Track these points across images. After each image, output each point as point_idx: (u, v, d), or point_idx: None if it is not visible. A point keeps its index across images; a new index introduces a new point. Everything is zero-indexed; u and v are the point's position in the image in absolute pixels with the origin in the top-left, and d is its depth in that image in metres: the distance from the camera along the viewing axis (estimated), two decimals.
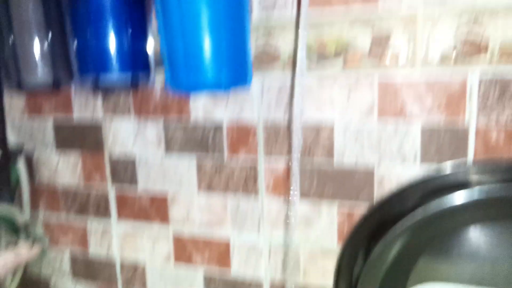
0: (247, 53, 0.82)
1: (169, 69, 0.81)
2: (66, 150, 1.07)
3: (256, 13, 0.83)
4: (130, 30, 0.80)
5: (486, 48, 0.72)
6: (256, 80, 0.86)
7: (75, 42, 0.78)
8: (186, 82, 0.77)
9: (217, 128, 0.92)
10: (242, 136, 0.90)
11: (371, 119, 0.81)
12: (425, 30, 0.75)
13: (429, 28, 0.74)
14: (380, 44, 0.77)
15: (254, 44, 0.84)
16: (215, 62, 0.76)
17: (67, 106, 1.04)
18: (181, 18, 0.75)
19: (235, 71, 0.79)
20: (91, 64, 0.79)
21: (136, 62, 0.83)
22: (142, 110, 0.96)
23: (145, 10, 0.86)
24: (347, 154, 0.84)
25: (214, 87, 0.78)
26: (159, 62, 0.91)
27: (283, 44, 0.83)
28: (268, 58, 0.84)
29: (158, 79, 0.93)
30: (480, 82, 0.74)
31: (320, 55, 0.81)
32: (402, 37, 0.76)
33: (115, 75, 0.80)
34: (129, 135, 0.99)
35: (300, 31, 0.52)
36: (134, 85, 0.84)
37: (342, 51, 0.80)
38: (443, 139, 0.78)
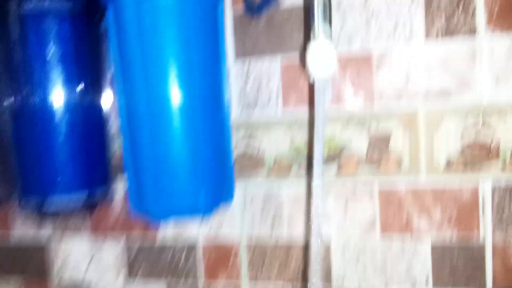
0: (228, 164, 0.71)
1: (134, 189, 0.68)
2: (4, 276, 0.88)
3: (235, 112, 0.73)
4: (84, 143, 0.67)
5: (497, 153, 0.64)
6: (237, 190, 0.74)
7: (17, 156, 0.64)
8: (155, 207, 0.63)
9: (191, 248, 0.77)
10: (221, 257, 0.75)
11: (374, 235, 0.69)
12: (428, 132, 0.66)
13: (432, 129, 0.66)
14: (378, 147, 0.68)
15: (234, 146, 0.73)
16: (193, 181, 0.63)
17: (5, 222, 0.86)
18: (152, 128, 0.63)
19: (215, 190, 0.66)
20: (36, 184, 0.64)
21: (93, 178, 0.70)
22: (99, 227, 0.81)
23: (102, 120, 0.74)
24: (347, 277, 0.70)
25: (191, 213, 0.64)
26: (120, 168, 0.78)
27: (268, 146, 0.72)
28: (251, 164, 0.73)
29: (119, 188, 0.79)
30: (493, 191, 0.65)
31: (311, 160, 0.71)
32: (402, 139, 0.67)
33: (65, 197, 0.65)
34: (83, 257, 0.82)
35: (316, 131, 0.41)
36: (89, 205, 0.70)
37: (335, 155, 0.70)
38: (457, 259, 0.67)
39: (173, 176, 0.63)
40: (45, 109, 0.65)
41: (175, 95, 0.62)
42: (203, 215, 0.66)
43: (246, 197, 0.74)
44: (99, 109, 0.74)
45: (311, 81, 0.40)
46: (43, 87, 0.66)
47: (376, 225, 0.69)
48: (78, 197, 0.67)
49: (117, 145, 0.77)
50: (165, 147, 0.63)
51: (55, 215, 0.70)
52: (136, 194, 0.68)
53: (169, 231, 0.78)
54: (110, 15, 0.66)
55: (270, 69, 0.71)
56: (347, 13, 0.67)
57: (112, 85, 0.76)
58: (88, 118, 0.71)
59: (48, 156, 0.64)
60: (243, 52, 0.72)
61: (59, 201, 0.65)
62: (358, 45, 0.67)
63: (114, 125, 0.77)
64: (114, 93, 0.76)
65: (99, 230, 0.81)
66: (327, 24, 0.39)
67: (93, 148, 0.72)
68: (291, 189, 0.72)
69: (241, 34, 0.72)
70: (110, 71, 0.76)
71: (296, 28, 0.69)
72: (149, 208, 0.65)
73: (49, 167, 0.64)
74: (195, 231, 0.76)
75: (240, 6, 0.71)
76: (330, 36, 0.39)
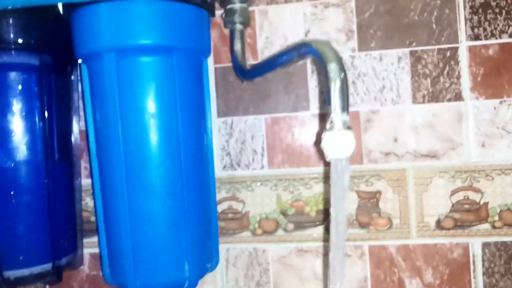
0: (214, 229, 0.65)
1: (107, 259, 0.61)
2: None
3: (218, 171, 0.69)
4: (49, 211, 0.60)
5: (486, 214, 0.64)
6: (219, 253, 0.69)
7: None
8: (132, 281, 0.56)
9: None
10: None
11: None
12: (418, 192, 0.66)
13: (421, 189, 0.66)
14: (367, 207, 0.66)
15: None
16: (176, 253, 0.57)
17: None
18: (130, 194, 0.56)
19: (201, 260, 0.60)
20: None
21: (59, 248, 0.62)
22: None
23: (70, 182, 0.68)
24: None
25: (174, 287, 0.58)
26: (91, 231, 0.71)
27: (252, 206, 0.68)
28: (234, 224, 0.69)
29: (87, 253, 0.71)
30: (484, 251, 0.65)
31: (297, 222, 0.68)
32: (391, 200, 0.66)
33: (27, 271, 0.57)
34: None
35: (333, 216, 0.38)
36: (54, 276, 0.62)
37: (324, 216, 0.67)
38: None
39: (154, 248, 0.57)
40: (6, 172, 0.58)
41: (156, 159, 0.56)
42: None
43: (229, 261, 0.69)
44: (67, 170, 0.68)
45: (326, 159, 0.37)
46: (4, 146, 0.59)
47: (367, 286, 0.67)
48: (41, 270, 0.59)
49: (88, 205, 0.71)
50: (145, 215, 0.57)
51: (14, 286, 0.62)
52: (110, 266, 0.61)
53: None
54: (84, 70, 0.59)
55: (254, 128, 0.68)
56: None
57: (84, 144, 0.71)
58: (54, 182, 0.63)
59: (6, 229, 0.56)
60: (225, 111, 0.69)
61: (19, 275, 0.57)
62: None
63: (83, 184, 0.70)
64: (87, 152, 0.70)
65: None
66: (346, 113, 0.37)
67: (59, 215, 0.65)
68: (277, 251, 0.68)
69: (223, 92, 0.69)
70: (82, 126, 0.71)
71: (281, 88, 0.68)
72: (125, 282, 0.58)
73: (8, 241, 0.56)
74: None
75: (222, 65, 0.69)
76: (348, 126, 0.37)
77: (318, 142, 0.67)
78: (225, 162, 0.69)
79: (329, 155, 0.37)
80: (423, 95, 0.65)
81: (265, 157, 0.68)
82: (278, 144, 0.68)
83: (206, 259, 0.63)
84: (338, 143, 0.36)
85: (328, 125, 0.37)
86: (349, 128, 0.37)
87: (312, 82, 0.67)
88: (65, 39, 0.60)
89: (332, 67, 0.37)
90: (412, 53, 0.65)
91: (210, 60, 0.69)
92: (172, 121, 0.57)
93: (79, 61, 0.59)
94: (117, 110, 0.55)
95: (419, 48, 0.65)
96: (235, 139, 0.69)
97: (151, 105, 0.56)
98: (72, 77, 0.70)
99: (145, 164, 0.56)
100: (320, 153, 0.67)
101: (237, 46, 0.66)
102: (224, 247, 0.69)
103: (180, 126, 0.57)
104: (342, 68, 0.37)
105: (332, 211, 0.39)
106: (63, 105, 0.68)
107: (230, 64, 0.68)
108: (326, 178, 0.67)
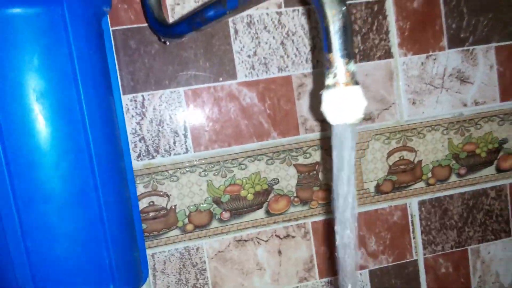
0: (139, 237, 0.52)
1: None
2: None
3: (132, 162, 0.55)
4: None
5: (421, 173, 0.64)
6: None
7: None
8: None
9: None
10: None
11: (313, 274, 0.61)
12: (356, 158, 0.61)
13: (359, 155, 0.62)
14: (307, 181, 0.60)
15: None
16: (97, 277, 0.43)
17: None
18: (18, 203, 0.40)
19: (128, 279, 0.47)
20: None
21: None
22: None
23: None
24: None
25: None
26: None
27: (178, 199, 0.56)
28: (158, 224, 0.56)
29: None
30: (420, 209, 0.64)
31: (234, 210, 0.58)
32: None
33: None
34: None
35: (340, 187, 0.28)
36: None
37: (264, 195, 0.59)
38: (394, 279, 0.64)
39: (64, 276, 0.42)
40: None
41: (52, 155, 0.41)
42: None
43: (155, 268, 0.57)
44: None
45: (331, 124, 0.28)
46: None
47: (314, 266, 0.61)
48: None
49: None
50: (47, 235, 0.41)
51: None
52: None
53: None
54: None
55: (172, 104, 0.56)
56: (261, 34, 0.57)
57: None
58: None
59: None
60: (133, 86, 0.55)
61: None
62: (276, 70, 0.58)
63: None
64: None
65: None
66: (352, 61, 0.28)
67: None
68: (213, 246, 0.58)
69: (127, 62, 0.54)
70: None
71: (200, 54, 0.56)
72: None
73: None
74: None
75: (123, 27, 0.54)
76: (356, 79, 0.28)
77: (262, 96, 0.58)
78: (139, 149, 0.55)
79: (333, 120, 0.28)
80: (358, 51, 0.60)
81: (189, 138, 0.56)
82: (203, 121, 0.57)
83: (135, 275, 0.50)
84: (347, 103, 0.27)
85: (329, 80, 0.28)
86: (357, 82, 0.28)
87: (237, 44, 0.57)
88: None
89: (329, 0, 0.27)
90: None
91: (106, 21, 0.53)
92: (70, 99, 0.41)
93: None
94: None
95: (347, 2, 0.59)
96: (149, 120, 0.55)
97: (36, 79, 0.40)
98: None
99: (36, 163, 0.41)
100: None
101: None
102: (149, 252, 0.56)
103: (83, 105, 0.42)
104: (343, 2, 0.27)
105: (335, 194, 0.31)
106: None
107: (132, 26, 0.54)
108: (262, 155, 0.58)
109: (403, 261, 0.64)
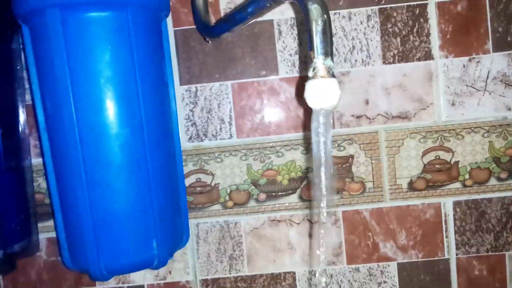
0: (182, 204, 0.61)
1: (65, 245, 0.56)
2: None
3: (184, 143, 0.64)
4: None
5: (457, 174, 0.64)
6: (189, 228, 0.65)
7: None
8: (97, 267, 0.51)
9: None
10: None
11: (341, 261, 0.66)
12: (390, 155, 0.64)
13: (393, 152, 0.64)
14: (340, 172, 0.65)
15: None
16: (142, 233, 0.53)
17: None
18: (86, 170, 0.51)
19: (169, 238, 0.56)
20: None
21: (10, 235, 0.56)
22: (19, 286, 0.66)
23: (19, 161, 0.61)
24: None
25: (141, 268, 0.54)
26: (45, 215, 0.65)
27: (221, 178, 0.65)
28: (203, 198, 0.65)
29: (43, 238, 0.66)
30: (455, 209, 0.65)
31: (269, 192, 0.65)
32: (364, 164, 0.65)
33: None
34: None
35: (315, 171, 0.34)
36: (7, 265, 0.56)
37: (297, 183, 0.65)
38: (423, 277, 0.66)
39: (117, 226, 0.52)
40: None
41: (114, 129, 0.51)
42: (155, 267, 0.56)
43: (199, 236, 0.66)
44: (13, 148, 0.61)
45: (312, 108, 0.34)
46: None
47: (342, 252, 0.65)
48: None
49: (41, 186, 0.64)
50: (106, 191, 0.52)
51: None
52: (69, 250, 0.56)
53: (110, 283, 0.66)
54: (26, 33, 0.52)
55: (221, 95, 0.64)
56: (303, 35, 0.63)
57: (32, 119, 0.64)
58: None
59: None
60: (188, 78, 0.64)
61: None
62: None
63: (34, 164, 0.64)
64: (35, 127, 0.63)
65: None
66: (329, 58, 0.33)
67: (8, 198, 0.59)
68: (250, 223, 0.65)
69: (185, 58, 0.64)
70: (28, 100, 0.64)
71: (247, 52, 0.63)
72: (87, 266, 0.53)
73: None
74: (139, 279, 0.66)
75: (183, 27, 0.63)
76: (333, 73, 0.34)
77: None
78: (190, 133, 0.64)
79: (313, 105, 0.34)
80: (394, 54, 0.63)
81: (233, 126, 0.64)
82: (246, 111, 0.64)
83: (176, 236, 0.59)
84: (323, 92, 0.33)
85: (310, 73, 0.34)
86: (333, 75, 0.33)
87: (280, 44, 0.63)
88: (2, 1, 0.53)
89: (313, 7, 0.33)
90: (381, 11, 0.63)
91: (169, 23, 0.63)
92: (130, 86, 0.51)
93: (19, 22, 0.53)
94: (66, 75, 0.50)
95: (388, 6, 0.63)
96: (200, 107, 0.64)
97: (105, 69, 0.50)
98: (14, 45, 0.63)
99: (102, 135, 0.51)
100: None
101: (199, 0, 0.60)
102: (194, 222, 0.65)
103: (140, 91, 0.52)
104: (324, 8, 0.33)
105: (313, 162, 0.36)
106: (5, 77, 0.61)
107: (191, 27, 0.63)
108: (298, 145, 0.64)
109: (433, 258, 0.65)
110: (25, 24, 0.53)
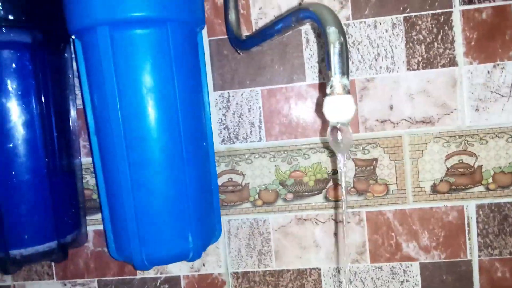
0: (215, 201, 0.66)
1: (112, 237, 0.62)
2: None
3: (216, 145, 0.69)
4: (51, 190, 0.60)
5: (480, 177, 0.66)
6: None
7: None
8: (138, 256, 0.57)
9: (173, 285, 0.72)
10: None
11: (364, 259, 0.69)
12: (413, 158, 0.67)
13: (417, 155, 0.67)
14: (364, 175, 0.68)
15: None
16: (179, 227, 0.58)
17: None
18: (131, 170, 0.57)
19: (203, 232, 0.61)
20: None
21: (63, 226, 0.63)
22: (67, 274, 0.73)
23: (71, 159, 0.68)
24: None
25: (178, 260, 0.60)
26: (93, 208, 0.72)
27: (251, 178, 0.69)
28: (234, 196, 0.70)
29: (90, 229, 0.72)
30: (478, 213, 0.66)
31: (296, 192, 0.69)
32: (388, 167, 0.67)
33: (32, 249, 0.58)
34: None
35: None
36: (60, 254, 0.63)
37: (323, 184, 0.68)
38: (446, 277, 0.68)
39: (157, 221, 0.58)
40: (5, 153, 0.58)
41: (155, 134, 0.56)
42: (190, 259, 0.61)
43: (230, 232, 0.70)
44: (66, 148, 0.68)
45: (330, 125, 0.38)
46: (2, 127, 0.59)
47: (366, 251, 0.68)
48: (47, 248, 0.60)
49: (89, 183, 0.71)
50: (147, 189, 0.57)
51: (20, 266, 0.63)
52: (114, 241, 0.62)
53: (149, 273, 0.72)
54: (78, 46, 0.59)
55: (251, 100, 0.68)
56: None
57: (82, 122, 0.70)
58: (54, 160, 0.63)
59: (10, 209, 0.57)
60: (221, 84, 0.69)
61: (25, 253, 0.58)
62: None
63: (83, 163, 0.71)
64: (86, 130, 0.70)
65: (68, 276, 0.73)
66: (345, 77, 0.37)
67: (62, 194, 0.65)
68: (278, 220, 0.69)
69: (218, 65, 0.69)
70: (79, 105, 0.70)
71: (276, 60, 0.67)
72: (131, 256, 0.59)
73: (13, 221, 0.57)
74: (176, 270, 0.72)
75: (217, 37, 0.68)
76: (348, 90, 0.37)
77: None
78: (223, 135, 0.69)
79: (330, 119, 0.38)
80: (418, 61, 0.66)
81: (263, 129, 0.68)
82: (275, 116, 0.68)
83: (209, 231, 0.64)
84: (339, 108, 0.37)
85: (328, 90, 0.37)
86: (349, 92, 0.37)
87: (308, 52, 0.67)
88: (57, 15, 0.60)
89: (331, 31, 0.37)
90: (406, 19, 0.65)
91: (204, 33, 0.68)
92: (169, 95, 0.57)
93: (73, 37, 0.59)
94: (114, 85, 0.55)
95: (413, 14, 0.65)
96: (232, 112, 0.69)
97: (147, 79, 0.56)
98: (66, 55, 0.70)
99: (144, 139, 0.57)
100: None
101: (232, 16, 0.65)
102: (226, 219, 0.70)
103: (178, 99, 0.57)
104: (341, 31, 0.37)
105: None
106: (59, 83, 0.68)
107: (224, 37, 0.68)
108: (323, 148, 0.68)
109: (456, 259, 0.67)
110: (77, 39, 0.59)
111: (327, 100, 0.37)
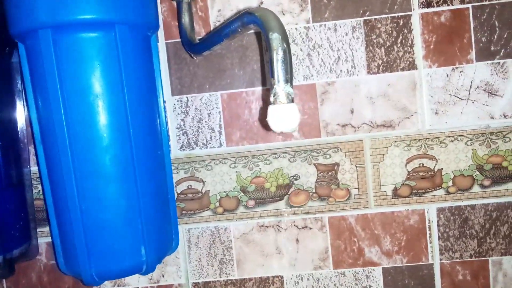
0: (171, 211, 0.64)
1: (60, 251, 0.59)
2: None
3: (175, 151, 0.67)
4: None
5: (440, 180, 0.66)
6: (180, 233, 0.68)
7: None
8: (87, 270, 0.55)
9: None
10: None
11: (327, 265, 0.68)
12: (374, 162, 0.66)
13: (378, 159, 0.66)
14: (326, 180, 0.67)
15: (174, 188, 0.67)
16: (131, 239, 0.55)
17: None
18: (77, 179, 0.54)
19: (158, 243, 0.59)
20: None
21: (8, 240, 0.59)
22: None
23: (17, 168, 0.65)
24: None
25: (131, 273, 0.57)
26: (43, 220, 0.68)
27: (212, 185, 0.67)
28: (194, 204, 0.68)
29: (42, 242, 0.69)
30: (439, 216, 0.66)
31: (258, 199, 0.67)
32: (349, 171, 0.66)
33: None
34: None
35: None
36: (6, 269, 0.59)
37: (284, 190, 0.67)
38: (408, 281, 0.67)
39: (107, 233, 0.55)
40: None
41: (103, 142, 0.54)
42: (144, 273, 0.58)
43: (190, 241, 0.68)
44: (12, 157, 0.64)
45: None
46: None
47: (329, 257, 0.68)
48: None
49: (41, 193, 0.68)
50: (96, 200, 0.54)
51: None
52: (63, 255, 0.59)
53: (105, 284, 0.69)
54: (22, 50, 0.55)
55: (210, 105, 0.66)
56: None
57: (28, 128, 0.67)
58: (1, 172, 0.60)
59: None
60: (180, 89, 0.66)
61: None
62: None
63: (34, 172, 0.67)
64: (31, 137, 0.66)
65: None
66: (289, 84, 0.35)
67: (6, 206, 0.62)
68: (239, 228, 0.68)
69: (176, 69, 0.66)
70: (25, 111, 0.67)
71: (236, 63, 0.66)
72: (79, 271, 0.56)
73: None
74: (134, 283, 0.69)
75: (174, 40, 0.66)
76: (292, 98, 0.36)
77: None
78: (182, 141, 0.67)
79: (275, 129, 0.36)
80: (378, 65, 0.65)
81: (223, 135, 0.67)
82: (235, 121, 0.66)
83: (165, 242, 0.62)
84: (283, 117, 0.35)
85: (271, 98, 0.36)
86: (292, 100, 0.36)
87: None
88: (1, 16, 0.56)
89: (274, 37, 0.35)
90: (366, 22, 0.65)
91: (161, 35, 0.66)
92: (118, 101, 0.54)
93: (15, 40, 0.56)
94: (57, 91, 0.52)
95: (372, 17, 0.64)
96: (191, 117, 0.67)
97: (93, 85, 0.53)
98: (14, 59, 0.66)
99: (92, 147, 0.54)
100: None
101: (185, 19, 0.63)
102: (186, 228, 0.68)
103: (128, 106, 0.54)
104: (284, 38, 0.36)
105: None
106: (5, 89, 0.64)
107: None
108: (285, 153, 0.66)
109: (418, 263, 0.67)
110: (20, 42, 0.55)
111: (270, 109, 0.36)
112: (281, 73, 0.35)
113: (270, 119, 0.35)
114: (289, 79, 0.35)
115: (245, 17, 0.41)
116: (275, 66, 0.35)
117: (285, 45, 0.35)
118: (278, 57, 0.35)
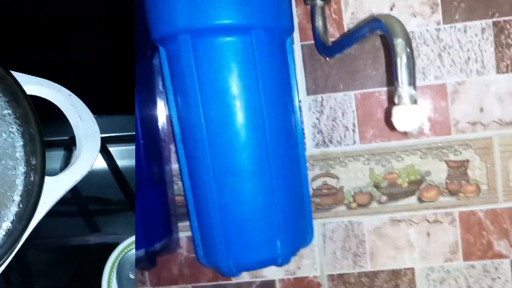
0: (306, 206, 0.67)
1: (199, 242, 0.62)
2: None
3: (310, 149, 0.70)
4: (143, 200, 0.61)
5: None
6: (315, 228, 0.71)
7: None
8: (225, 262, 0.57)
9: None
10: None
11: (457, 258, 0.70)
12: (504, 159, 0.69)
13: (507, 156, 0.69)
14: (456, 176, 0.69)
15: (310, 184, 0.70)
16: (267, 232, 0.58)
17: None
18: (216, 175, 0.56)
19: (293, 237, 0.61)
20: None
21: (152, 235, 0.63)
22: (162, 280, 0.73)
23: (160, 165, 0.68)
24: None
25: (267, 265, 0.60)
26: (183, 215, 0.71)
27: (346, 181, 0.70)
28: (329, 200, 0.71)
29: (183, 236, 0.72)
30: None
31: (390, 194, 0.70)
32: (479, 168, 0.69)
33: None
34: None
35: None
36: (149, 263, 0.62)
37: (415, 186, 0.70)
38: None
39: (244, 228, 0.58)
40: None
41: (240, 141, 0.56)
42: (279, 265, 0.61)
43: (325, 234, 0.71)
44: (154, 155, 0.67)
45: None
46: None
47: (459, 249, 0.70)
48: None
49: (181, 189, 0.71)
50: (233, 196, 0.57)
51: None
52: (203, 248, 0.62)
53: (244, 276, 0.72)
54: (162, 54, 0.58)
55: (345, 104, 0.69)
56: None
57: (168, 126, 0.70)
58: (145, 170, 0.63)
59: None
60: (314, 88, 0.70)
61: None
62: (433, 78, 0.69)
63: (175, 169, 0.71)
64: (172, 137, 0.70)
65: (161, 283, 0.73)
66: (412, 87, 0.39)
67: (150, 202, 0.65)
68: (372, 223, 0.71)
69: (311, 70, 0.70)
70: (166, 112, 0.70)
71: (369, 64, 0.69)
72: (218, 263, 0.59)
73: None
74: (271, 274, 0.72)
75: (309, 42, 0.69)
76: (415, 99, 0.39)
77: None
78: (317, 139, 0.70)
79: (399, 128, 0.39)
80: (507, 65, 0.68)
81: (357, 133, 0.70)
82: (368, 119, 0.69)
83: (299, 236, 0.64)
84: (406, 117, 0.39)
85: (396, 100, 0.39)
86: (415, 102, 0.39)
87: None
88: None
89: (398, 42, 0.39)
90: (495, 23, 0.68)
91: (296, 37, 0.69)
92: (254, 101, 0.56)
93: (156, 44, 0.59)
94: (196, 93, 0.55)
95: (501, 19, 0.67)
96: (326, 116, 0.70)
97: (231, 87, 0.55)
98: (155, 61, 0.70)
99: (229, 146, 0.56)
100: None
101: (319, 23, 0.66)
102: (321, 222, 0.71)
103: (263, 106, 0.56)
104: (408, 43, 0.39)
105: None
106: (147, 90, 0.68)
107: None
108: (417, 150, 0.69)
109: None
110: (161, 46, 0.59)
111: (395, 110, 0.39)
112: (405, 76, 0.39)
113: (394, 119, 0.39)
114: (412, 82, 0.39)
115: (372, 23, 0.44)
116: (399, 70, 0.39)
117: (408, 50, 0.39)
118: (402, 61, 0.39)
